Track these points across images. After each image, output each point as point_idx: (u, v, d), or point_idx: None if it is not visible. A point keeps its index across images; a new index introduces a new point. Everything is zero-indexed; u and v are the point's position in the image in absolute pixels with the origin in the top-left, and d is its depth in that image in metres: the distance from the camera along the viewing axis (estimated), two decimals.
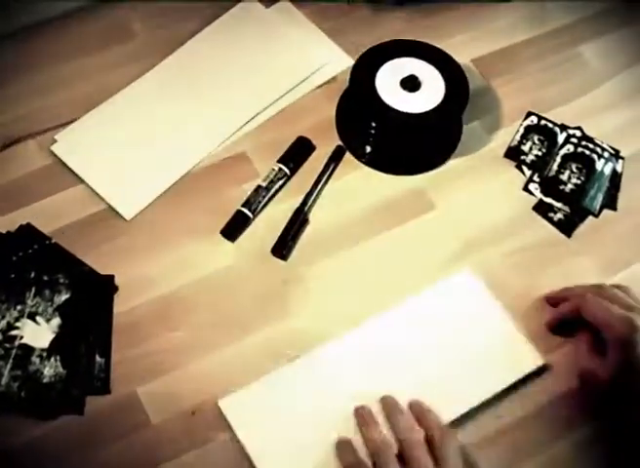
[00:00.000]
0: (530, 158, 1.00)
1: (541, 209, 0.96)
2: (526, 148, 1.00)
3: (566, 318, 0.87)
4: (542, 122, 1.02)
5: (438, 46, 0.98)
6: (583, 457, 0.82)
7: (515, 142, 1.01)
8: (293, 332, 0.86)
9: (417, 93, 0.93)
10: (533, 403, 0.84)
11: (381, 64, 0.95)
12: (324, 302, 0.88)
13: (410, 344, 0.86)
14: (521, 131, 1.02)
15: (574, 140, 1.00)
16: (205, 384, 0.82)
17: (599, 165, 0.99)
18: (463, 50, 1.03)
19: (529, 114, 1.03)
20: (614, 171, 0.99)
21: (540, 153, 1.00)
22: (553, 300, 0.89)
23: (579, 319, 0.84)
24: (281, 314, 0.87)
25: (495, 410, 0.83)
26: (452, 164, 0.99)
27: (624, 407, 0.79)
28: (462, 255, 0.92)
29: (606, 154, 1.00)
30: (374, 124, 0.94)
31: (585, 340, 0.85)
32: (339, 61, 1.03)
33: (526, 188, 0.98)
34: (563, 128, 1.02)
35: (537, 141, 1.01)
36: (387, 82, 0.94)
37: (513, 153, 1.00)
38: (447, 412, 0.80)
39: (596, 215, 0.97)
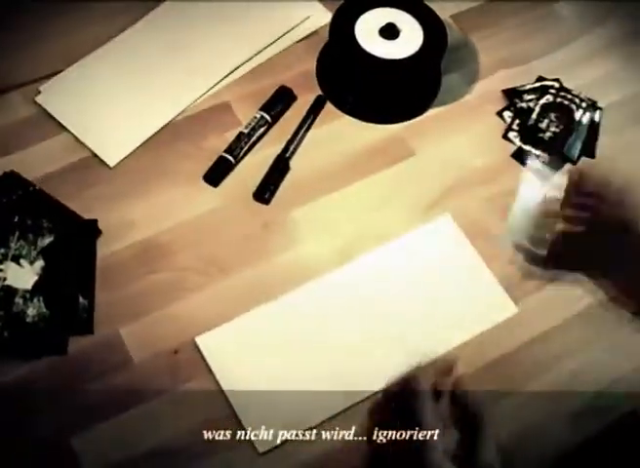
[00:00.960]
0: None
1: (520, 156, 0.98)
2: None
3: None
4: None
5: None
6: None
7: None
8: (273, 274, 0.87)
9: (395, 41, 0.95)
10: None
11: (360, 14, 0.96)
12: (304, 245, 0.89)
13: (389, 288, 0.87)
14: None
15: (552, 91, 1.02)
16: (187, 324, 0.83)
17: (577, 114, 1.00)
18: (442, 7, 1.04)
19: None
20: (592, 120, 1.01)
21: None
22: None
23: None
24: (262, 256, 0.88)
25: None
26: (431, 112, 1.00)
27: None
28: (442, 201, 0.94)
29: (584, 104, 1.01)
30: (354, 71, 0.96)
31: None
32: (319, 17, 1.05)
33: (505, 136, 0.99)
34: (540, 79, 1.03)
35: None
36: (366, 31, 0.95)
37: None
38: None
39: (574, 163, 0.98)
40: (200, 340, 0.82)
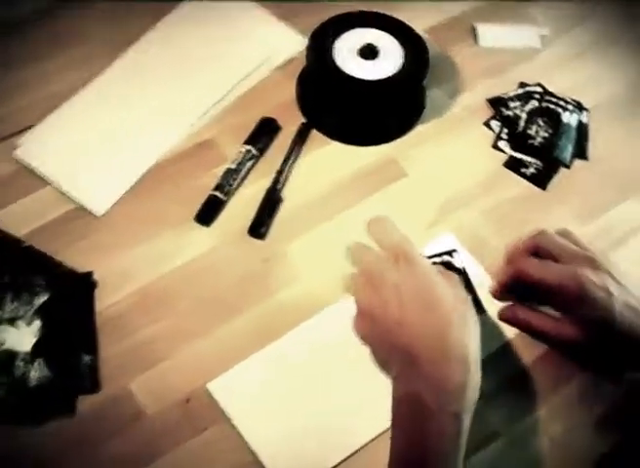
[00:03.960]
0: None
1: (513, 165, 0.96)
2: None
3: (510, 285, 0.77)
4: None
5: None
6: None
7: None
8: (278, 310, 0.85)
9: (375, 60, 0.93)
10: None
11: (337, 36, 0.95)
12: (306, 278, 0.87)
13: None
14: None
15: (537, 96, 1.01)
16: (197, 370, 0.81)
17: (565, 117, 0.99)
18: (416, 20, 1.02)
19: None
20: (580, 122, 1.00)
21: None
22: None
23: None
24: (265, 292, 0.86)
25: None
26: (419, 130, 0.99)
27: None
28: (440, 220, 0.92)
29: (570, 107, 1.00)
30: (336, 95, 0.94)
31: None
32: (294, 43, 1.03)
33: (495, 146, 0.98)
34: (522, 85, 1.02)
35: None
36: (345, 53, 0.93)
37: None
38: None
39: (568, 166, 0.97)
40: (212, 386, 0.80)
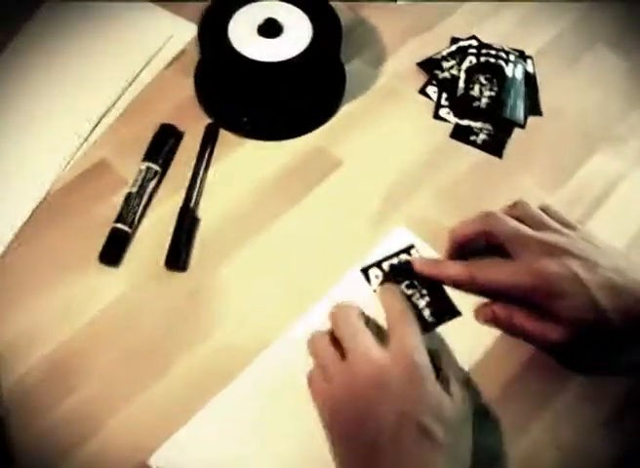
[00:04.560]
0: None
1: (460, 134, 0.83)
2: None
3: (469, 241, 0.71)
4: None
5: None
6: None
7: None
8: (217, 352, 0.70)
9: (279, 38, 0.78)
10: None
11: (232, 15, 0.79)
12: (244, 308, 0.73)
13: None
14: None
15: (473, 51, 0.87)
16: (132, 446, 0.66)
17: (509, 70, 0.86)
18: None
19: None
20: (526, 72, 0.87)
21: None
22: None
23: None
24: (197, 334, 0.71)
25: None
26: (345, 110, 0.84)
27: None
28: (388, 212, 0.78)
29: (512, 57, 0.87)
30: (237, 85, 0.79)
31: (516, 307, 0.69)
32: (183, 32, 0.88)
33: (437, 115, 0.84)
34: (454, 41, 0.89)
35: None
36: (242, 32, 0.78)
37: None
38: None
39: (522, 126, 0.83)
40: (154, 461, 0.65)
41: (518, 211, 0.71)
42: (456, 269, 0.69)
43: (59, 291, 0.73)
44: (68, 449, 0.65)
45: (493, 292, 0.68)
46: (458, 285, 0.70)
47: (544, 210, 0.71)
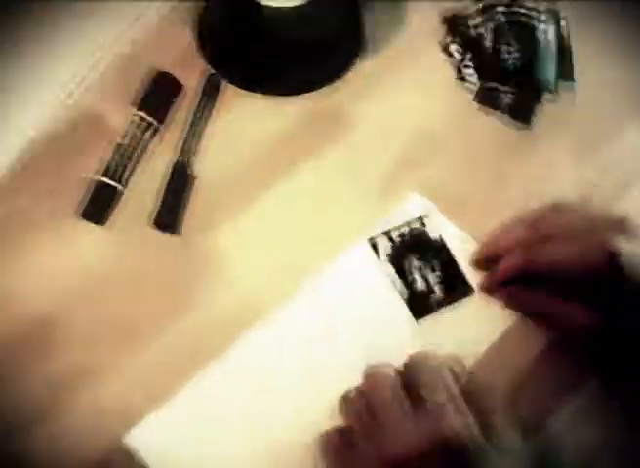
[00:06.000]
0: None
1: (485, 97, 0.76)
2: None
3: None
4: None
5: None
6: None
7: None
8: (205, 326, 0.64)
9: None
10: None
11: None
12: (237, 278, 0.67)
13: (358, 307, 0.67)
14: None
15: (502, 8, 0.80)
16: (110, 420, 0.60)
17: (540, 31, 0.79)
18: None
19: None
20: (559, 34, 0.80)
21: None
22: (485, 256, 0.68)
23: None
24: (186, 304, 0.65)
25: None
26: (361, 66, 0.77)
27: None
28: (403, 177, 0.72)
29: (543, 16, 0.80)
30: (249, 31, 0.72)
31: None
32: None
33: (460, 76, 0.77)
34: None
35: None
36: None
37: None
38: None
39: (553, 91, 0.77)
40: (131, 439, 0.59)
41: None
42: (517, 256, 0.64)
43: (39, 249, 0.67)
44: (43, 422, 0.60)
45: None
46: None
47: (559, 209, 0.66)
